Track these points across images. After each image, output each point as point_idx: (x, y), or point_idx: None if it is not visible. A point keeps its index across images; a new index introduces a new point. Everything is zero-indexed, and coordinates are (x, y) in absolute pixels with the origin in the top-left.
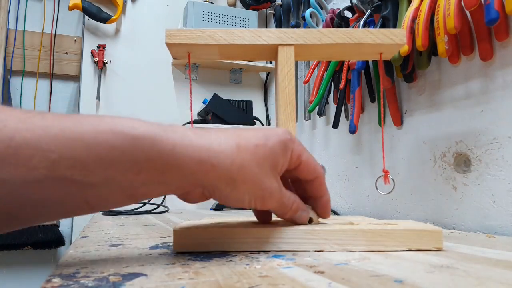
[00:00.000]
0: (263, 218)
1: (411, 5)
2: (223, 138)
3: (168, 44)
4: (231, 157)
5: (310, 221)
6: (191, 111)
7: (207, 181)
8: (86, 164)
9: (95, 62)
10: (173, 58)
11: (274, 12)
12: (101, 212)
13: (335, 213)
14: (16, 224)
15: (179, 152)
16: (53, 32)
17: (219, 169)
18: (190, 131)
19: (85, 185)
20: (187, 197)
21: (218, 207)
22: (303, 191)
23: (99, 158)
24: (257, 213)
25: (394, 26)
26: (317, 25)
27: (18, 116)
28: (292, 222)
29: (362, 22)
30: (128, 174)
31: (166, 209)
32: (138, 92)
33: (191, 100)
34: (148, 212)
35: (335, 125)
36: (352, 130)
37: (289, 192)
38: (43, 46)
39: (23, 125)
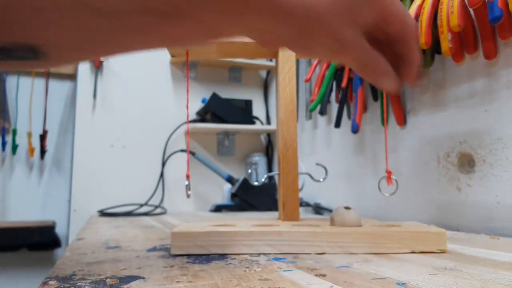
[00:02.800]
0: None
1: (414, 3)
2: None
3: None
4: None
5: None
6: (187, 109)
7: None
8: None
9: (91, 60)
10: (171, 56)
11: None
12: (97, 214)
13: None
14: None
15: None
16: None
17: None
18: None
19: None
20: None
21: (217, 209)
22: (392, 55)
23: None
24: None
25: None
26: None
27: None
28: (378, 86)
29: None
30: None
31: (163, 210)
32: (135, 90)
33: (187, 99)
34: (146, 214)
35: (337, 124)
36: (355, 130)
37: (375, 51)
38: None
39: None
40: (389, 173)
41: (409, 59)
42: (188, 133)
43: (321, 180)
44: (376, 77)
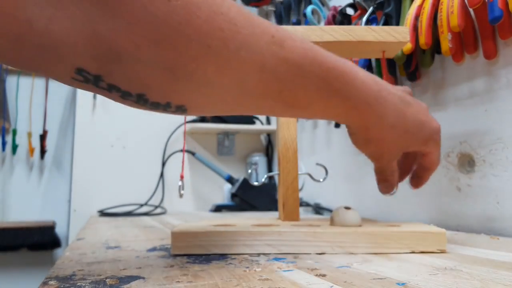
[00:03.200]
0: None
1: (414, 2)
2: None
3: None
4: (395, 119)
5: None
6: None
7: (366, 118)
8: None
9: None
10: None
11: (274, 9)
12: (97, 214)
13: None
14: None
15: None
16: None
17: (381, 115)
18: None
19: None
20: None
21: (217, 209)
22: (413, 161)
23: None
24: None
25: (397, 24)
26: (319, 22)
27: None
28: (379, 184)
29: (364, 19)
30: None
31: (164, 210)
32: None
33: None
34: (146, 214)
35: (337, 124)
36: None
37: (396, 168)
38: None
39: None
40: None
41: (424, 177)
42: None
43: (321, 180)
44: (382, 183)
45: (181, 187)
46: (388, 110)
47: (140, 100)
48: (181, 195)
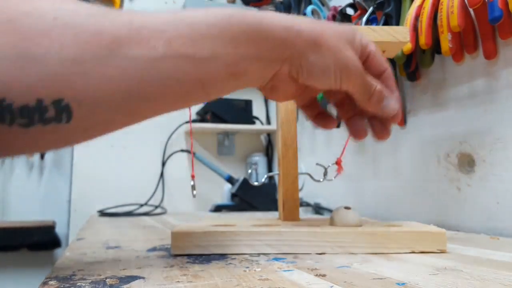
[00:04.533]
0: (323, 120)
1: (414, 3)
2: (301, 18)
3: None
4: (312, 26)
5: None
6: (189, 109)
7: (294, 48)
8: (194, 40)
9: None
10: None
11: (274, 9)
12: (97, 214)
13: None
14: (141, 110)
15: (266, 23)
16: None
17: (304, 34)
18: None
19: (196, 61)
20: (275, 85)
21: (217, 209)
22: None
23: (202, 35)
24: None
25: (397, 24)
26: None
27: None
28: (379, 113)
29: (364, 19)
30: (228, 47)
31: (163, 211)
32: None
33: None
34: (146, 214)
35: (337, 124)
36: None
37: (374, 78)
38: None
39: (136, 14)
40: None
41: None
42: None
43: (321, 180)
44: (378, 102)
45: (193, 187)
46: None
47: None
48: (194, 195)
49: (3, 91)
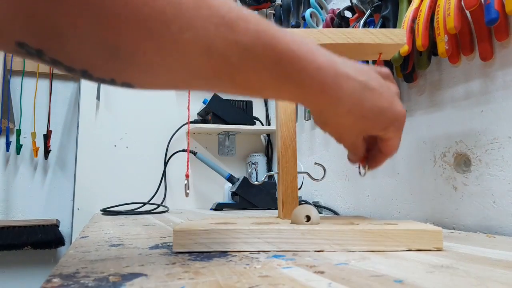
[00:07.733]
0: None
1: (411, 5)
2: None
3: None
4: (351, 106)
5: (308, 219)
6: (188, 110)
7: (320, 103)
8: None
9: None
10: None
11: (274, 12)
12: (101, 212)
13: (335, 213)
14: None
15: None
16: None
17: (335, 101)
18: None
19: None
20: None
21: (218, 208)
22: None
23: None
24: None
25: (394, 26)
26: (317, 25)
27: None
28: (349, 154)
29: (362, 22)
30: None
31: (166, 209)
32: (137, 91)
33: (189, 100)
34: (148, 212)
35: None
36: None
37: (361, 144)
38: None
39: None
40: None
41: (379, 160)
42: (188, 133)
43: (320, 179)
44: (350, 156)
45: (187, 186)
46: (344, 96)
47: (85, 76)
48: (186, 194)
49: (86, 66)
